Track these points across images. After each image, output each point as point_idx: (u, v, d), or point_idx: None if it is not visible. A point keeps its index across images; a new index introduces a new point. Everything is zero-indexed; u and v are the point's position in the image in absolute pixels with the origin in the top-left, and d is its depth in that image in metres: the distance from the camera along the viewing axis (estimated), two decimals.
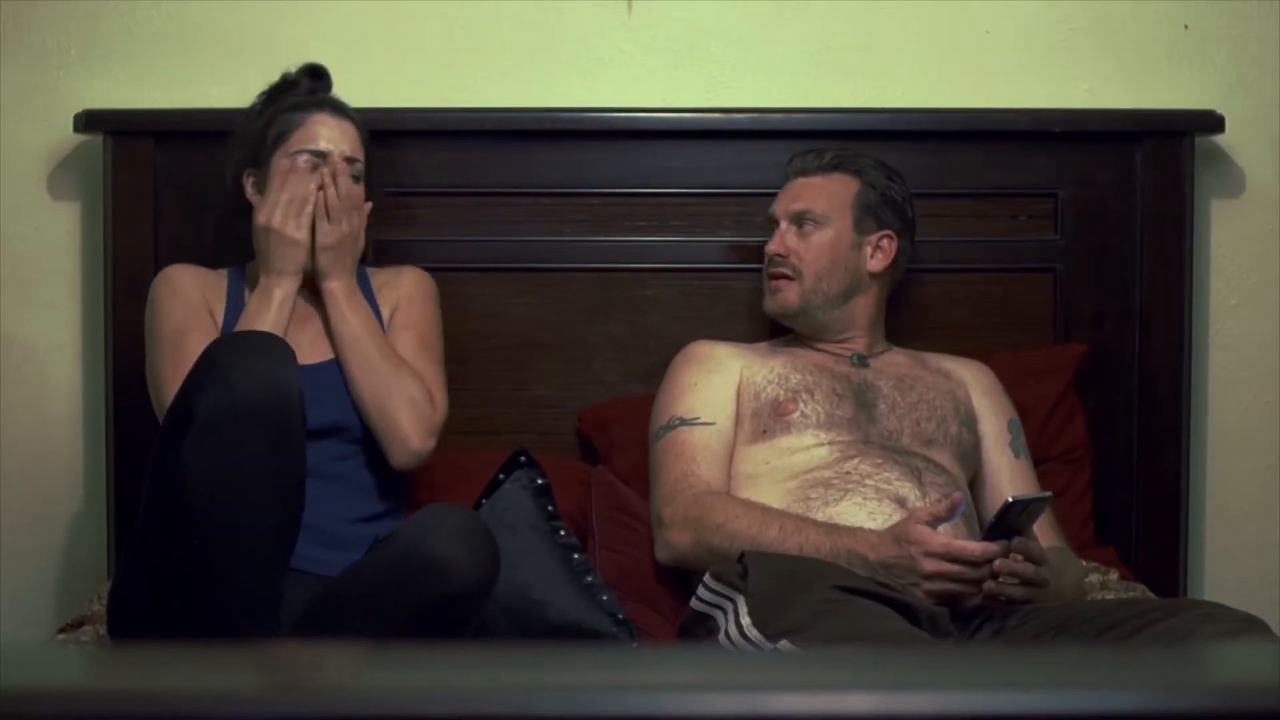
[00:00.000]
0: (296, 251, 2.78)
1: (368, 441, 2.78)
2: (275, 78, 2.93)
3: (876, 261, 2.97)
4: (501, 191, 3.17)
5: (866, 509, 2.71)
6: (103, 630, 2.73)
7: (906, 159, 3.13)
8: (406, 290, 2.90)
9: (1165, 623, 2.39)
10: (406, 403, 2.75)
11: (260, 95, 2.92)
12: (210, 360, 2.42)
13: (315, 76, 2.93)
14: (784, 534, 2.67)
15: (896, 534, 2.58)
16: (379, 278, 2.92)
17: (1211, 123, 3.18)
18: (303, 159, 2.81)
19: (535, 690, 1.10)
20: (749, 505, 2.75)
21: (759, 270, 3.09)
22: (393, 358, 2.78)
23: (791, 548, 2.64)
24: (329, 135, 2.83)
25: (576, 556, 2.80)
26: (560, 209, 3.18)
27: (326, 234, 2.80)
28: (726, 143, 3.18)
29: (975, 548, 2.54)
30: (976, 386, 2.99)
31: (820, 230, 2.95)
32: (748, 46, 3.23)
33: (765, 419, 2.85)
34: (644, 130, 3.18)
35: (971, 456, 2.92)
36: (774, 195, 3.07)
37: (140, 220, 3.09)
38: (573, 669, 1.18)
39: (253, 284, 2.84)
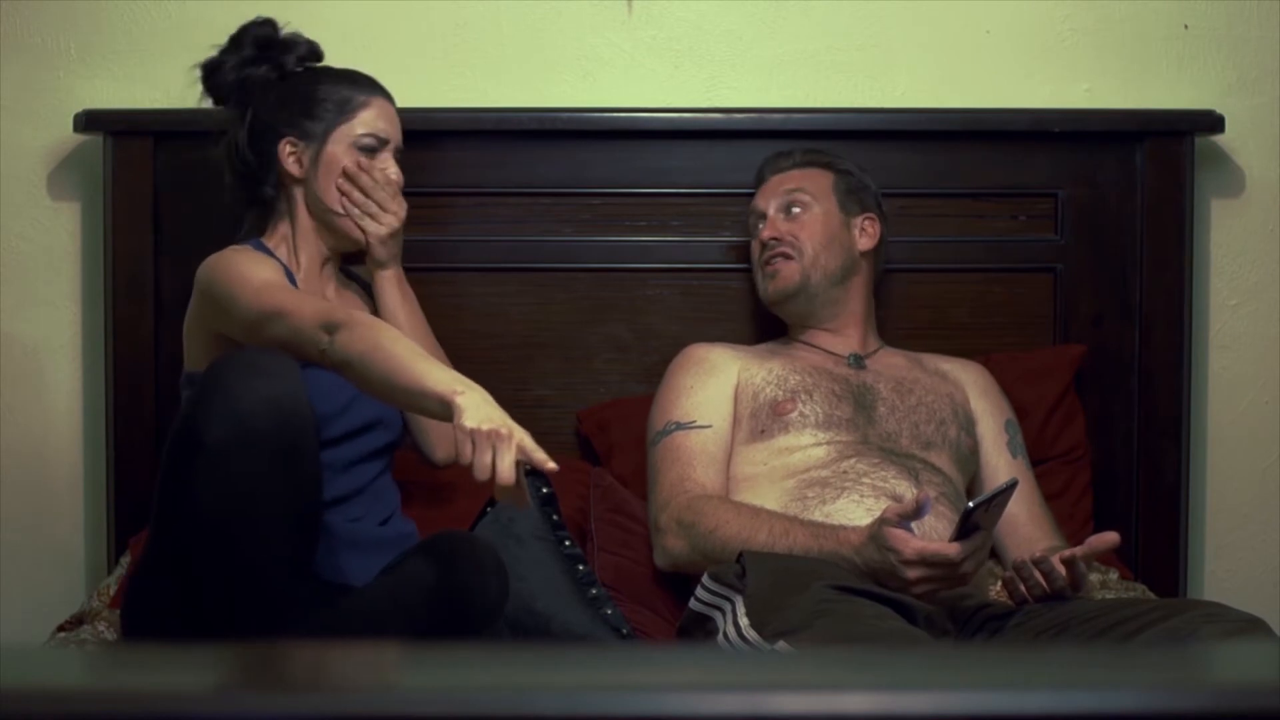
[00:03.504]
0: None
1: (395, 441, 2.78)
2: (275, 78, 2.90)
3: (865, 241, 2.99)
4: (501, 191, 3.18)
5: (864, 506, 2.71)
6: (101, 627, 2.73)
7: (906, 159, 3.13)
8: None
9: (1166, 623, 2.39)
10: None
11: (249, 48, 2.81)
12: (217, 383, 2.37)
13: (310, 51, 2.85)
14: (773, 537, 2.66)
15: (873, 536, 2.57)
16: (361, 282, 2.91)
17: (1211, 123, 3.18)
18: (366, 141, 2.76)
19: (535, 690, 1.10)
20: (739, 509, 2.74)
21: None
22: (440, 352, 2.78)
23: (780, 550, 2.64)
24: (389, 120, 2.80)
25: (581, 568, 2.79)
26: (560, 209, 3.18)
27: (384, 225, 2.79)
28: (726, 143, 3.18)
29: (950, 550, 2.51)
30: (974, 388, 2.99)
31: (809, 210, 2.97)
32: (748, 46, 3.23)
33: (764, 419, 2.84)
34: (644, 130, 3.18)
35: (970, 459, 2.91)
36: None
37: (140, 220, 3.09)
38: (573, 669, 1.18)
39: (291, 260, 2.77)
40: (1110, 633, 2.42)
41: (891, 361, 2.99)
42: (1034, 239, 3.20)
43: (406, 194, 3.11)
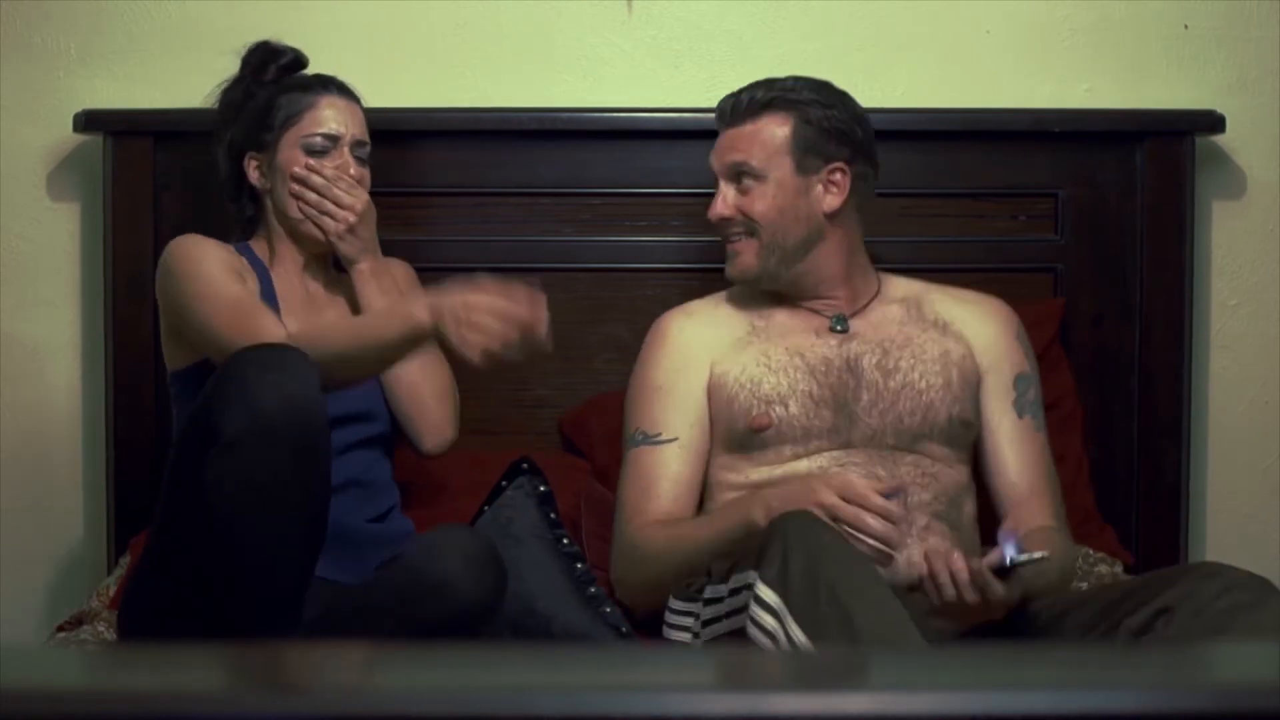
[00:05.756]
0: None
1: (387, 436, 2.77)
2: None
3: (831, 200, 2.72)
4: (501, 191, 3.17)
5: None
6: (101, 627, 2.73)
7: (906, 159, 3.13)
8: (401, 283, 2.86)
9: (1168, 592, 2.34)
10: (439, 388, 2.76)
11: (244, 70, 2.85)
12: (233, 377, 2.38)
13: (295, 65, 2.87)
14: (697, 529, 2.60)
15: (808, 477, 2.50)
16: None
17: (1211, 123, 3.18)
18: (315, 142, 2.76)
19: (535, 690, 1.10)
20: (666, 532, 2.66)
21: None
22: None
23: (704, 540, 2.58)
24: (340, 118, 2.78)
25: (579, 566, 2.79)
26: (560, 209, 3.18)
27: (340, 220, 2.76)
28: None
29: (876, 499, 2.40)
30: (983, 338, 2.78)
31: (761, 184, 2.71)
32: (748, 46, 3.23)
33: (740, 433, 2.70)
34: (644, 130, 3.18)
35: (967, 431, 2.74)
36: None
37: (140, 220, 3.10)
38: (573, 669, 1.18)
39: (271, 262, 2.79)
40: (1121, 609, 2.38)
41: (885, 315, 2.77)
42: (1034, 239, 3.20)
43: (408, 194, 3.13)
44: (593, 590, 2.77)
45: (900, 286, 2.82)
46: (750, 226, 2.72)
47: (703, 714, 1.07)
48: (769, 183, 2.71)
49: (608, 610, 2.75)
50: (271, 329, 2.56)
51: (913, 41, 3.24)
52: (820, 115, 2.72)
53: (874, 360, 2.72)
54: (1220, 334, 3.28)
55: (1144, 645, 2.28)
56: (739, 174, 2.72)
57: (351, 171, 2.77)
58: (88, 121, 3.09)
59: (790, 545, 2.30)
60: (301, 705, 1.07)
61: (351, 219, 2.75)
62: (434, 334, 2.43)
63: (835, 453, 2.67)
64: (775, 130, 2.72)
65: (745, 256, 2.74)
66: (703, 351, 2.76)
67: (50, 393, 3.21)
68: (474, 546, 2.51)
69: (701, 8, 3.23)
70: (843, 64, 3.23)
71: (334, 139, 2.77)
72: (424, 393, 2.76)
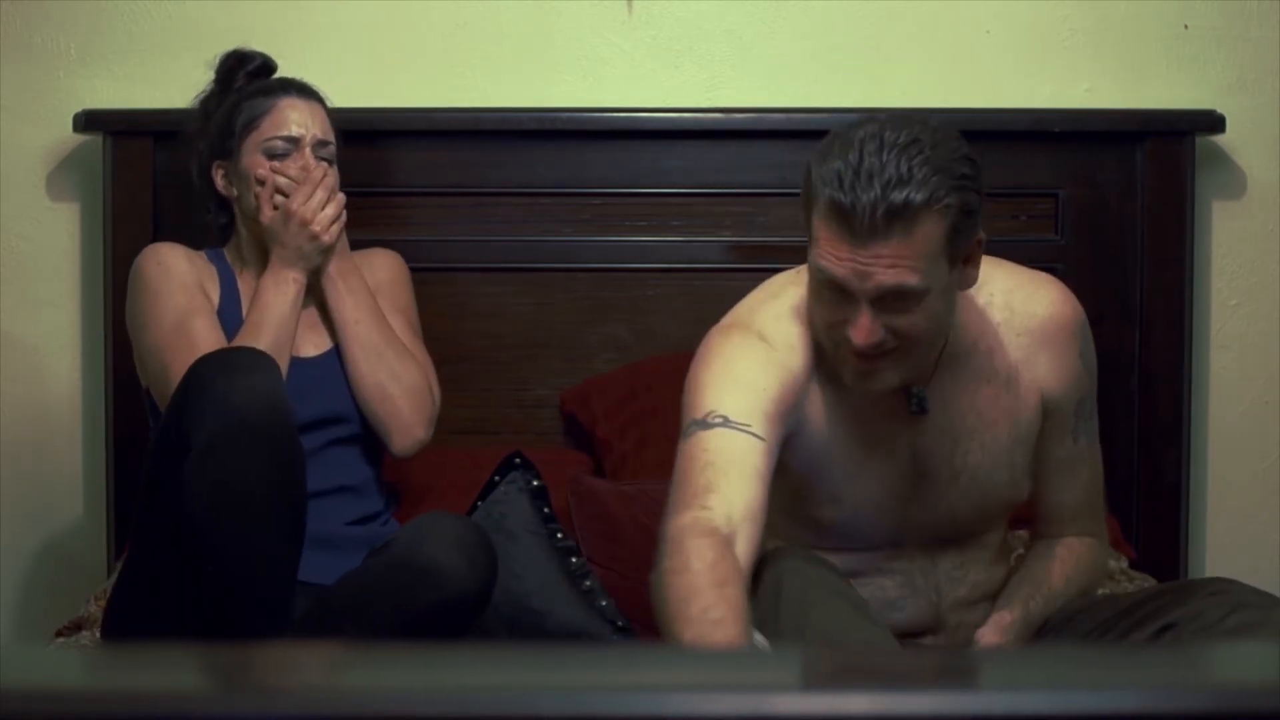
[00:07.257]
0: (320, 245, 2.71)
1: (363, 437, 2.76)
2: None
3: (971, 274, 2.29)
4: (501, 191, 3.18)
5: (883, 594, 2.42)
6: (100, 633, 2.73)
7: None
8: (386, 274, 2.85)
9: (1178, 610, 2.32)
10: (409, 388, 2.73)
11: (215, 79, 2.85)
12: (202, 381, 2.38)
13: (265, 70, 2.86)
14: (695, 623, 2.04)
15: None
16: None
17: (1211, 123, 3.18)
18: (274, 145, 2.74)
19: (535, 690, 1.10)
20: (688, 580, 2.08)
21: (760, 270, 3.06)
22: (395, 341, 2.74)
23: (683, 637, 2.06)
24: (299, 119, 2.76)
25: (574, 560, 2.78)
26: (560, 209, 3.18)
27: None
28: (726, 143, 3.18)
29: None
30: (1050, 379, 2.41)
31: (920, 300, 2.20)
32: (748, 46, 3.23)
33: (810, 518, 2.39)
34: (644, 130, 3.18)
35: (1023, 488, 2.47)
36: (773, 195, 3.09)
37: (140, 220, 3.10)
38: (573, 669, 1.18)
39: (239, 268, 2.80)
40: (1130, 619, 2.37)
41: (956, 381, 2.37)
42: (1034, 239, 3.20)
43: (408, 194, 3.13)
44: (588, 584, 2.77)
45: (967, 322, 2.38)
46: (903, 341, 2.22)
47: (703, 714, 1.07)
48: (928, 298, 2.20)
49: (604, 605, 2.75)
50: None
51: (913, 41, 3.24)
52: (963, 197, 2.21)
53: (942, 457, 2.37)
54: (1220, 334, 3.28)
55: (1144, 648, 2.28)
56: (892, 295, 2.19)
57: (311, 169, 2.73)
58: (87, 121, 3.09)
59: (783, 592, 2.19)
60: (300, 705, 1.07)
61: (334, 236, 2.73)
62: None
63: (874, 553, 2.40)
64: (932, 232, 2.18)
65: (888, 375, 2.25)
66: (798, 403, 2.31)
67: (50, 392, 3.21)
68: (464, 533, 2.50)
69: (701, 8, 3.23)
70: (843, 64, 3.24)
71: (294, 141, 2.75)
72: (392, 392, 2.72)
